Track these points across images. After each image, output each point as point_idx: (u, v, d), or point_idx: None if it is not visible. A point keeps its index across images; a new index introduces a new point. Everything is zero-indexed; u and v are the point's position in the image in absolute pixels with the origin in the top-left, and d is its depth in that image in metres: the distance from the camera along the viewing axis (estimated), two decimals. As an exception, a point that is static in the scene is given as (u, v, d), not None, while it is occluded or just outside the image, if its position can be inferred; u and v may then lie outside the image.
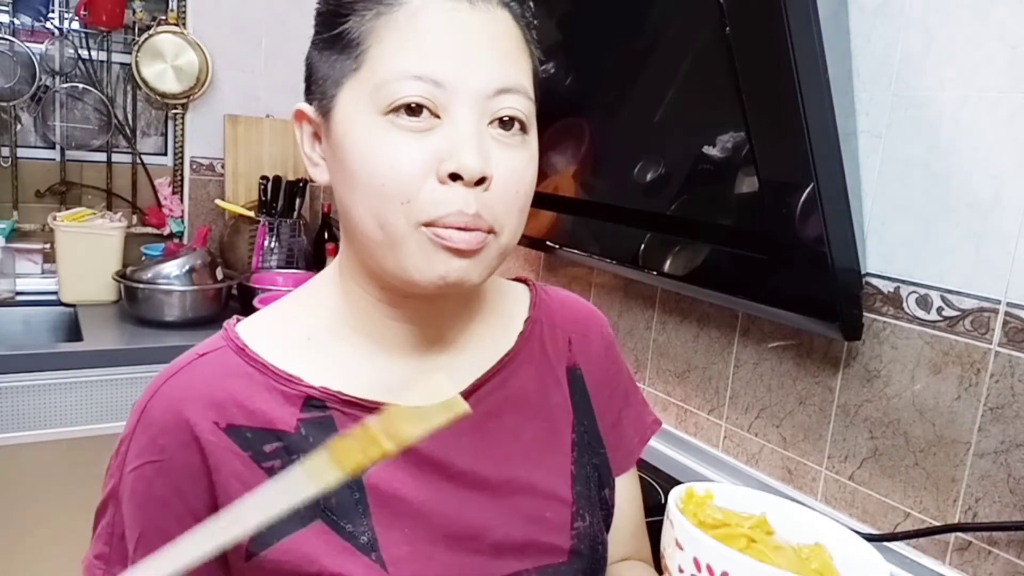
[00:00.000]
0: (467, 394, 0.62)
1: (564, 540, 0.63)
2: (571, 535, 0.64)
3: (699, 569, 0.48)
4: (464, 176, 0.52)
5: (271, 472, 0.56)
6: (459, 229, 0.53)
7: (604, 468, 0.69)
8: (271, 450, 0.57)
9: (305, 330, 0.62)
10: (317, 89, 0.58)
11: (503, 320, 0.69)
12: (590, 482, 0.67)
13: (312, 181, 0.64)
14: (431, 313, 0.62)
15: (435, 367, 0.63)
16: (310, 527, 0.56)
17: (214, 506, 0.57)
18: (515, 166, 0.55)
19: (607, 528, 0.70)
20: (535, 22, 0.59)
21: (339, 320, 0.62)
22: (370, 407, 0.58)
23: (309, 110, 0.59)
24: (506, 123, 0.55)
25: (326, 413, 0.58)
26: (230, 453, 0.56)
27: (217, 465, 0.56)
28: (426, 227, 0.53)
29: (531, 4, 0.59)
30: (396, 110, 0.52)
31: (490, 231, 0.54)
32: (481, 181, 0.53)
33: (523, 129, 0.56)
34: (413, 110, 0.52)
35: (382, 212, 0.53)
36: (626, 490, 0.74)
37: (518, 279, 0.75)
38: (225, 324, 0.63)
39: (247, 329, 0.62)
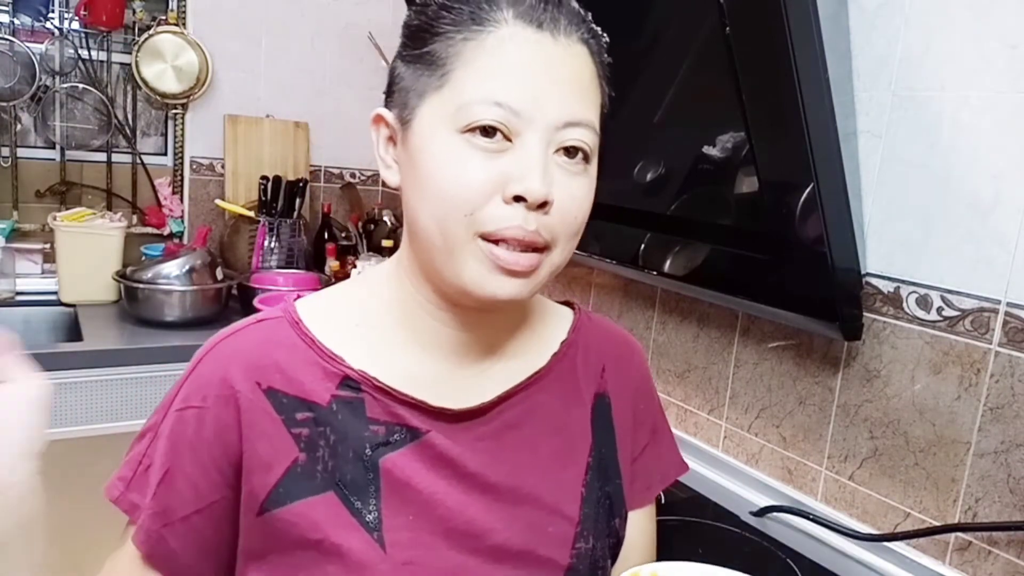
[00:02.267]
0: (493, 404, 0.65)
1: (563, 556, 0.65)
2: (571, 553, 0.65)
3: None
4: (528, 199, 0.56)
5: (297, 438, 0.61)
6: (516, 245, 0.57)
7: (617, 497, 0.71)
8: (302, 418, 0.61)
9: (356, 316, 0.67)
10: (399, 98, 0.61)
11: (541, 339, 0.72)
12: (600, 507, 0.68)
13: (384, 183, 0.67)
14: (475, 322, 0.66)
15: (469, 373, 0.66)
16: (322, 496, 0.60)
17: (237, 461, 0.61)
18: (575, 194, 0.59)
19: (613, 557, 0.71)
20: (609, 60, 0.63)
21: (388, 313, 0.66)
22: (400, 398, 0.62)
23: (388, 116, 0.63)
24: (571, 152, 0.59)
25: (359, 395, 0.62)
26: (264, 413, 0.61)
27: (251, 423, 0.61)
28: (484, 240, 0.57)
29: (607, 42, 0.62)
30: (472, 130, 0.56)
31: (546, 248, 0.59)
32: (543, 205, 0.57)
33: (586, 159, 0.60)
34: (488, 132, 0.56)
35: (445, 220, 0.57)
36: (642, 525, 0.75)
37: (565, 303, 0.78)
38: (285, 300, 0.68)
39: (305, 306, 0.67)
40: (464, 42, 0.57)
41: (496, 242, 0.57)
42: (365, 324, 0.66)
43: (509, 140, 0.57)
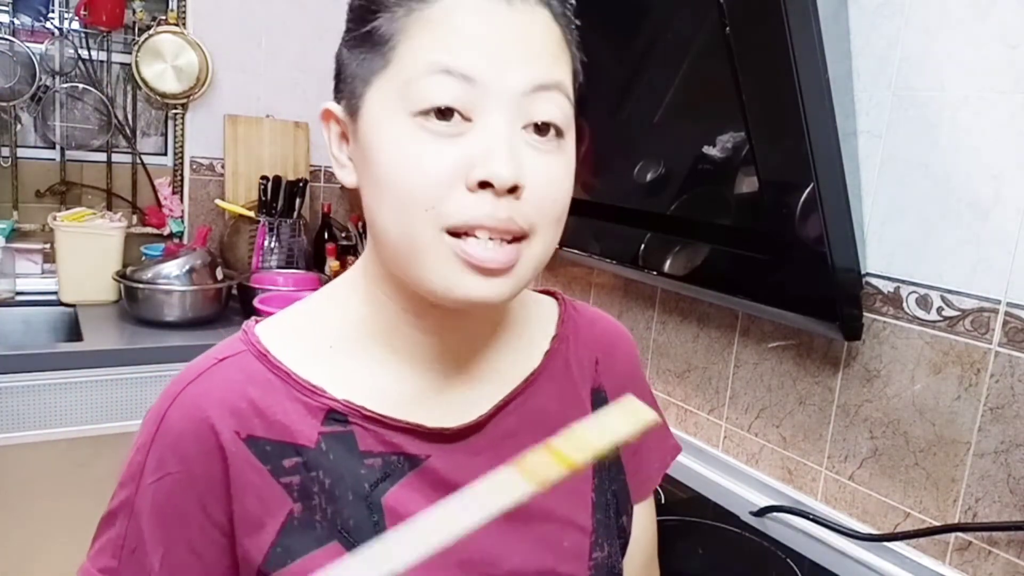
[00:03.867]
0: (490, 415, 0.60)
1: (582, 570, 0.61)
2: (589, 566, 0.62)
3: None
4: (495, 184, 0.49)
5: (288, 488, 0.55)
6: (489, 236, 0.50)
7: (623, 494, 0.68)
8: (290, 465, 0.55)
9: (327, 337, 0.60)
10: (346, 88, 0.55)
11: (529, 336, 0.66)
12: (609, 509, 0.65)
13: (333, 181, 0.62)
14: (456, 326, 0.60)
15: (457, 383, 0.61)
16: (325, 547, 0.54)
17: (231, 518, 0.55)
18: (551, 175, 0.53)
19: (622, 556, 0.68)
20: (576, 21, 0.56)
21: (362, 328, 0.60)
22: (393, 425, 0.57)
23: (337, 110, 0.57)
24: (541, 128, 0.52)
25: (347, 428, 0.56)
26: (248, 465, 0.54)
27: (236, 475, 0.54)
28: (452, 236, 0.50)
29: (572, 2, 0.56)
30: (425, 113, 0.50)
31: (523, 236, 0.52)
32: (513, 190, 0.50)
33: (559, 134, 0.53)
34: (443, 113, 0.49)
35: (406, 219, 0.50)
36: (642, 518, 0.72)
37: (546, 291, 0.72)
38: (244, 326, 0.60)
39: (267, 332, 0.59)
40: (407, 15, 0.51)
41: (465, 237, 0.50)
42: (339, 344, 0.59)
43: (468, 120, 0.50)
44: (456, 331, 0.60)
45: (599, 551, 0.63)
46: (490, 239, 0.50)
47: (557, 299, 0.72)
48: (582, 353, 0.68)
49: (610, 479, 0.67)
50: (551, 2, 0.54)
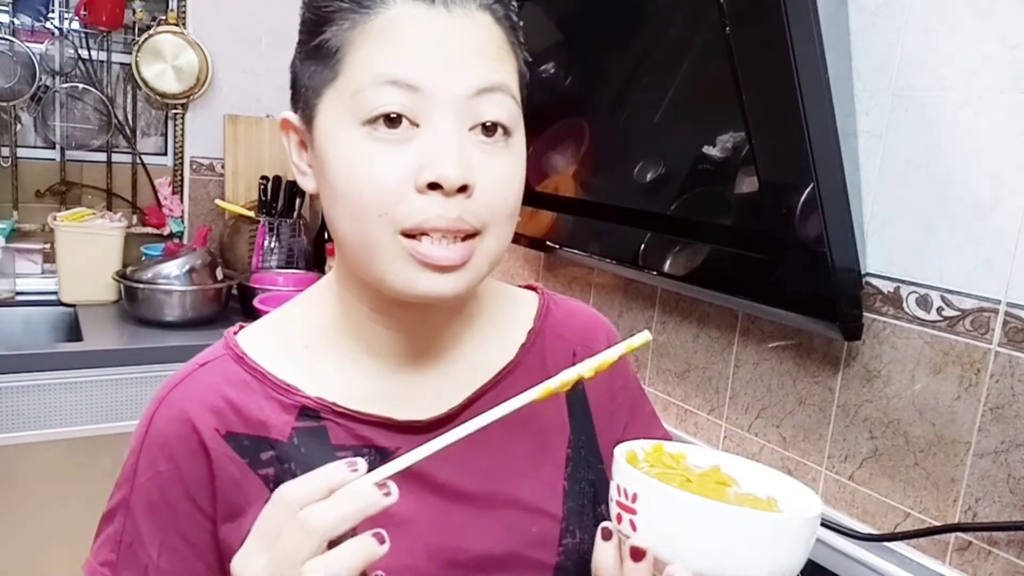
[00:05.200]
0: (462, 408, 0.62)
1: (550, 556, 0.63)
2: (558, 551, 0.63)
3: (619, 494, 0.51)
4: (444, 185, 0.51)
5: (266, 480, 0.57)
6: (442, 236, 0.52)
7: (602, 484, 0.68)
8: (267, 458, 0.58)
9: (302, 338, 0.63)
10: (300, 98, 0.58)
11: (503, 329, 0.68)
12: (584, 498, 0.66)
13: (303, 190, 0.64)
14: (423, 321, 0.62)
15: (430, 377, 0.63)
16: None
17: (215, 511, 0.58)
18: (500, 174, 0.54)
19: None
20: (520, 23, 0.58)
21: (335, 328, 0.63)
22: (364, 419, 0.59)
23: (294, 119, 0.59)
24: (489, 129, 0.54)
25: (320, 423, 0.59)
26: (228, 459, 0.58)
27: (219, 471, 0.58)
28: (406, 237, 0.52)
29: (515, 5, 0.58)
30: (374, 121, 0.52)
31: (475, 233, 0.54)
32: (463, 189, 0.52)
33: (506, 133, 0.55)
34: (392, 120, 0.52)
35: (362, 224, 0.53)
36: None
37: (529, 287, 0.74)
38: (226, 333, 0.64)
39: (247, 337, 0.63)
40: (352, 28, 0.53)
41: (419, 237, 0.52)
42: (314, 344, 0.62)
43: (416, 125, 0.52)
44: (423, 326, 0.62)
45: (570, 537, 0.64)
46: (443, 238, 0.52)
47: (537, 292, 0.73)
48: (559, 346, 0.69)
49: (586, 469, 0.67)
50: (493, 6, 0.55)
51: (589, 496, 0.67)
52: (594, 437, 0.69)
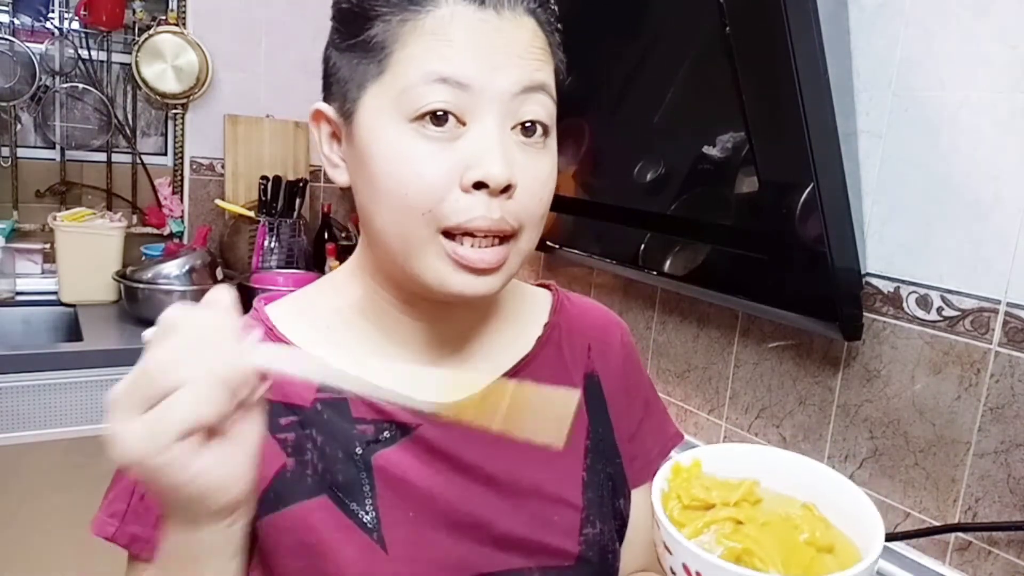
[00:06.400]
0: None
1: (572, 545, 0.63)
2: (579, 540, 0.64)
3: (689, 574, 0.48)
4: (490, 184, 0.52)
5: (283, 444, 0.59)
6: (483, 237, 0.53)
7: (619, 478, 0.69)
8: (286, 423, 0.59)
9: (324, 319, 0.64)
10: (338, 90, 0.57)
11: (521, 324, 0.69)
12: (603, 490, 0.67)
13: (331, 182, 0.65)
14: (446, 313, 0.63)
15: (449, 366, 0.64)
16: (315, 500, 0.58)
17: None
18: (539, 174, 0.56)
19: (620, 539, 0.69)
20: (560, 28, 0.59)
21: (358, 314, 0.64)
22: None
23: (329, 111, 0.59)
24: (528, 129, 0.55)
25: (342, 395, 0.59)
26: None
27: None
28: (446, 237, 0.53)
29: (555, 10, 0.59)
30: (421, 118, 0.52)
31: (513, 235, 0.55)
32: (506, 189, 0.53)
33: (545, 132, 0.56)
34: (439, 118, 0.52)
35: (404, 221, 0.54)
36: (643, 502, 0.73)
37: (542, 284, 0.75)
38: (255, 303, 0.65)
39: (275, 310, 0.64)
40: (402, 24, 0.53)
41: (460, 238, 0.53)
42: (336, 328, 0.63)
43: (463, 123, 0.53)
44: (446, 319, 0.63)
45: (590, 527, 0.65)
46: (484, 238, 0.54)
47: (551, 290, 0.75)
48: (575, 340, 0.71)
49: (604, 461, 0.68)
50: (536, 11, 0.57)
51: (608, 489, 0.68)
52: (611, 430, 0.70)
